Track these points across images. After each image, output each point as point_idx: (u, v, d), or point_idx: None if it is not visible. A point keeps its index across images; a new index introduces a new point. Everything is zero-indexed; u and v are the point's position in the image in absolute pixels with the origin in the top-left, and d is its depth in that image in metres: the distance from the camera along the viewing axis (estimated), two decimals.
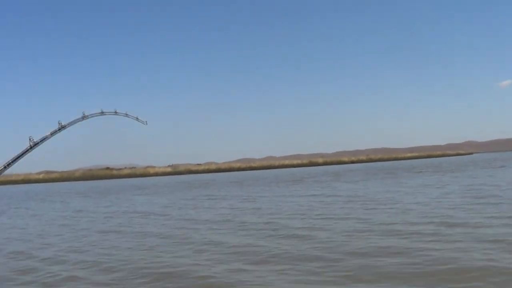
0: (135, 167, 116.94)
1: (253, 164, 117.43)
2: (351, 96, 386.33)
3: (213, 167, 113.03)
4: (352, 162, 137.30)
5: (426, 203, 17.85)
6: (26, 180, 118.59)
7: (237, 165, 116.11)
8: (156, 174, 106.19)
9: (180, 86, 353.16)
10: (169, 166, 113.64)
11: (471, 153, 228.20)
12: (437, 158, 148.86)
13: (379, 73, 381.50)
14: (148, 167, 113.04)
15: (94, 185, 66.99)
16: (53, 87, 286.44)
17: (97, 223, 18.02)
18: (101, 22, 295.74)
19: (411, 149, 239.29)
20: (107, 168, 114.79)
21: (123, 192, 41.42)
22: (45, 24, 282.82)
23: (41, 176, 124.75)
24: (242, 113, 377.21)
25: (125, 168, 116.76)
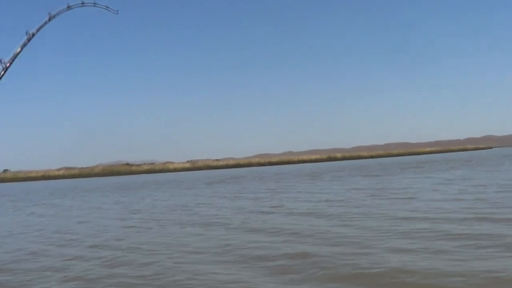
0: (154, 163, 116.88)
1: (272, 159, 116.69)
2: (370, 92, 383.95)
3: (232, 162, 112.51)
4: (371, 157, 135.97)
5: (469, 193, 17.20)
6: (46, 177, 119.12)
7: (256, 160, 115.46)
8: (175, 170, 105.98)
9: (197, 82, 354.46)
10: (187, 161, 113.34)
11: (491, 147, 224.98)
12: (457, 153, 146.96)
13: (397, 69, 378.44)
14: (167, 162, 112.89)
15: (117, 181, 66.90)
16: None
17: (170, 216, 17.40)
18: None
19: (430, 144, 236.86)
20: (127, 164, 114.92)
21: (161, 186, 40.86)
22: None
23: (61, 172, 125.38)
24: (260, 109, 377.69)
25: (144, 164, 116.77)
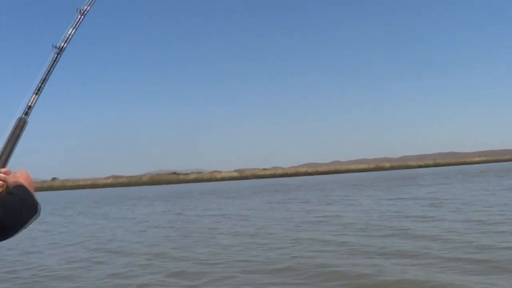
0: (201, 172, 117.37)
1: (319, 169, 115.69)
2: (417, 99, 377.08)
3: (279, 171, 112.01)
4: (419, 166, 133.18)
5: None
6: (94, 185, 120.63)
7: (304, 169, 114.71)
8: (223, 179, 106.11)
9: (243, 90, 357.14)
10: (235, 170, 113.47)
11: None
12: (507, 163, 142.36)
13: (446, 75, 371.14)
14: (214, 171, 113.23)
15: (170, 190, 67.07)
16: None
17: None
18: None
19: (478, 153, 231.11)
20: (174, 173, 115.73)
21: (231, 195, 40.07)
22: None
23: (109, 181, 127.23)
24: (307, 117, 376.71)
25: (192, 172, 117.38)
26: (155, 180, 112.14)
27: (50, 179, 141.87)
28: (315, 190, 39.70)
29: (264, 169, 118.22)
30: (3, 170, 1.98)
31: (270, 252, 11.15)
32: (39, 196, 1.98)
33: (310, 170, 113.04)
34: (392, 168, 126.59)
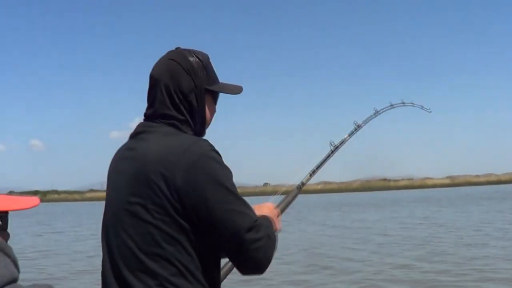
0: (412, 179, 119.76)
1: None
2: None
3: (493, 178, 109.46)
4: None
5: None
6: (304, 191, 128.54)
7: None
8: (434, 186, 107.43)
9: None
10: (447, 177, 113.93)
11: None
12: None
13: None
14: (425, 178, 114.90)
15: (382, 196, 68.24)
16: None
17: None
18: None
19: None
20: (384, 180, 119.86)
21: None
22: None
23: (319, 186, 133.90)
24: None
25: (402, 179, 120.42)
26: (366, 187, 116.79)
27: (262, 184, 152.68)
28: None
29: (476, 175, 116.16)
30: None
31: None
32: None
33: None
34: None
